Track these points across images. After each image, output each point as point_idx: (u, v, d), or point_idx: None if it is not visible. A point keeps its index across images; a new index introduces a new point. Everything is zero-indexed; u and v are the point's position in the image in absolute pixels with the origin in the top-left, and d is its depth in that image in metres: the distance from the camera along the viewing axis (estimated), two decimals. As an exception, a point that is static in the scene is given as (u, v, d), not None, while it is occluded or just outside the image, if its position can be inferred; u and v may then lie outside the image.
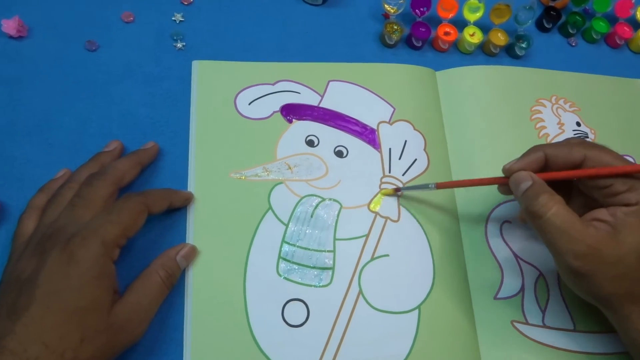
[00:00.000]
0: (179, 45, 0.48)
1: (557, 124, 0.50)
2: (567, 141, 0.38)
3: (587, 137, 0.51)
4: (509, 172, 0.38)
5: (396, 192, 0.44)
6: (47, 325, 0.30)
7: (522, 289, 0.43)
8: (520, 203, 0.36)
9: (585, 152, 0.36)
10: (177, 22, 0.50)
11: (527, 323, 0.42)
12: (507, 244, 0.44)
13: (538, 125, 0.50)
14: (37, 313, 0.30)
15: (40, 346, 0.29)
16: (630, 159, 0.50)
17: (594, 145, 0.36)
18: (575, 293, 0.36)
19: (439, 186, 0.41)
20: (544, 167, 0.37)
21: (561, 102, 0.52)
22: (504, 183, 0.38)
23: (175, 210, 0.41)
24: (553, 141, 0.50)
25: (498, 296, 0.42)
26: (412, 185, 0.44)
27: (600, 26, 0.57)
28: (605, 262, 0.33)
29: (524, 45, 0.53)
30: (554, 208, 0.34)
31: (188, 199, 0.41)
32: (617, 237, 0.33)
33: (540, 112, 0.51)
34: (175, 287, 0.38)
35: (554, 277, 0.44)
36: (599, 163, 0.35)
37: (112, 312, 0.33)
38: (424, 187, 0.42)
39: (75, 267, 0.32)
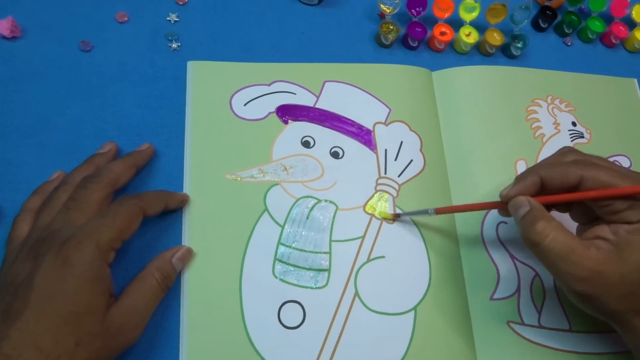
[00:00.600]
0: (174, 45, 0.48)
1: (552, 124, 0.50)
2: (561, 158, 0.37)
3: (583, 137, 0.51)
4: (506, 198, 0.36)
5: (395, 218, 0.43)
6: (42, 329, 0.30)
7: (518, 289, 0.43)
8: (519, 229, 0.35)
9: (581, 172, 0.34)
10: (172, 22, 0.49)
11: (523, 323, 0.42)
12: (503, 245, 0.44)
13: (534, 126, 0.50)
14: (32, 317, 0.30)
15: (35, 351, 0.29)
16: (626, 159, 0.51)
17: (589, 164, 0.35)
18: None
19: (438, 212, 0.40)
20: (541, 189, 0.36)
21: (557, 102, 0.52)
22: (503, 207, 0.37)
23: (171, 212, 0.41)
24: (549, 142, 0.50)
25: (494, 297, 0.42)
26: (411, 211, 0.43)
27: (596, 25, 0.57)
28: (609, 283, 0.32)
29: (519, 45, 0.53)
30: (552, 234, 0.33)
31: (183, 201, 0.41)
32: (620, 256, 0.33)
33: (536, 112, 0.51)
34: (171, 290, 0.38)
35: (550, 277, 0.44)
36: (597, 182, 0.34)
37: (107, 316, 0.32)
38: (423, 212, 0.42)
39: (70, 270, 0.32)
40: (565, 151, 0.39)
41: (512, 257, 0.44)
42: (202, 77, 0.47)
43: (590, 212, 0.37)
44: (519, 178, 0.37)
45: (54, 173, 0.41)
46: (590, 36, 0.57)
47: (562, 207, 0.34)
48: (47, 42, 0.46)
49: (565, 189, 0.35)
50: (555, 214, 0.37)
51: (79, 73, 0.46)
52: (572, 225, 0.38)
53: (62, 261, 0.32)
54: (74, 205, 0.35)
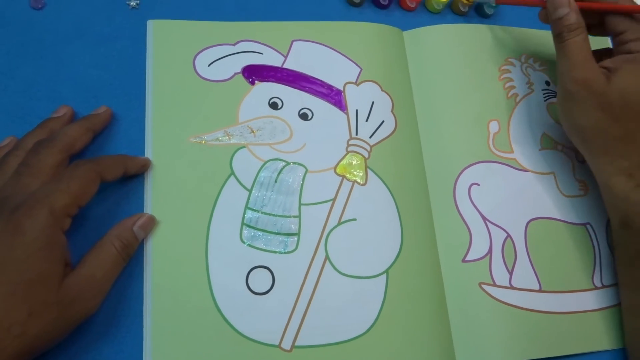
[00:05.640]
0: (133, 3, 0.46)
1: (526, 84, 0.50)
2: None
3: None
4: None
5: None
6: (-9, 299, 0.28)
7: (490, 251, 0.43)
8: (551, 25, 0.41)
9: None
10: (130, -22, 0.47)
11: (494, 285, 0.41)
12: (475, 207, 0.44)
13: (507, 85, 0.49)
14: (-20, 287, 0.28)
15: (-17, 322, 0.28)
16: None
17: None
18: (542, 254, 0.39)
19: (498, 2, 0.49)
20: None
21: (530, 60, 0.51)
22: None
23: (132, 177, 0.39)
24: (522, 101, 0.49)
25: (466, 259, 0.42)
26: None
27: (570, -16, 0.56)
28: (593, 92, 0.38)
29: (492, 4, 0.52)
30: (578, 37, 0.39)
31: (145, 166, 0.39)
32: (609, 77, 0.38)
33: (509, 71, 0.50)
34: (133, 258, 0.37)
35: (521, 238, 0.44)
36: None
37: (63, 285, 0.31)
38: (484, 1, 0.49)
39: (21, 237, 0.30)
40: None
41: (484, 219, 0.44)
42: (163, 36, 0.44)
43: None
44: None
45: (5, 139, 0.39)
46: (564, -5, 0.56)
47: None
48: (-6, -1, 0.43)
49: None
50: None
51: (30, 32, 0.43)
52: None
53: (13, 228, 0.30)
54: (26, 171, 0.34)
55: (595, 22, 0.42)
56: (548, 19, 0.42)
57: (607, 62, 0.40)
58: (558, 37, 0.40)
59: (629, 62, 0.39)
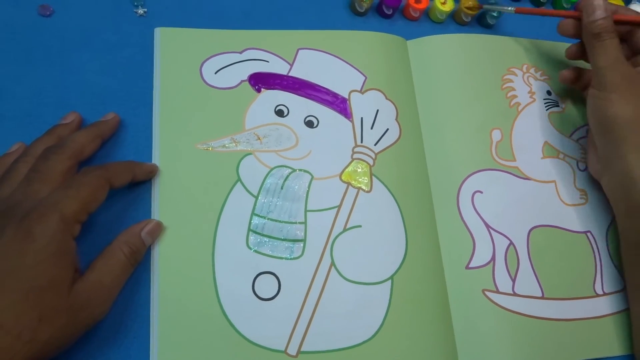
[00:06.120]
0: (140, 11, 0.46)
1: (528, 93, 0.50)
2: None
3: (558, 106, 0.51)
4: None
5: (479, 8, 0.50)
6: (2, 305, 0.28)
7: (493, 258, 0.43)
8: (589, 27, 0.43)
9: None
10: (138, -14, 0.47)
11: (497, 291, 0.42)
12: (478, 214, 0.44)
13: (509, 94, 0.50)
14: (-8, 293, 0.28)
15: (-5, 327, 0.28)
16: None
17: None
18: (544, 261, 0.39)
19: (518, 11, 0.49)
20: None
21: (532, 70, 0.52)
22: (578, 17, 0.44)
23: (140, 183, 0.39)
24: (524, 110, 0.49)
25: (470, 266, 0.42)
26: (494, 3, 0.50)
27: (571, -5, 0.57)
28: (635, 84, 0.41)
29: (495, 14, 0.53)
30: (615, 39, 0.42)
31: (152, 172, 0.40)
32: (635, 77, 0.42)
33: (511, 80, 0.50)
34: (141, 263, 0.37)
35: (524, 246, 0.44)
36: None
37: (72, 291, 0.31)
38: (504, 8, 0.49)
39: (31, 244, 0.30)
40: None
41: (487, 226, 0.44)
42: (171, 44, 0.45)
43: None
44: None
45: (14, 145, 0.39)
46: (564, 5, 0.57)
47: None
48: (4, 6, 0.43)
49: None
50: None
51: (38, 39, 0.43)
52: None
53: (24, 234, 0.30)
54: (35, 177, 0.34)
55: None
56: (573, 29, 0.45)
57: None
58: (597, 37, 0.42)
59: None
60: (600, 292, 0.44)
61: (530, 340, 0.41)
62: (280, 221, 0.40)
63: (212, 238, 0.39)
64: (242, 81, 0.44)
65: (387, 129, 0.45)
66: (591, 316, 0.43)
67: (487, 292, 0.42)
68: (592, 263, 0.45)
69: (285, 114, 0.44)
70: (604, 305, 0.44)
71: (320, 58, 0.47)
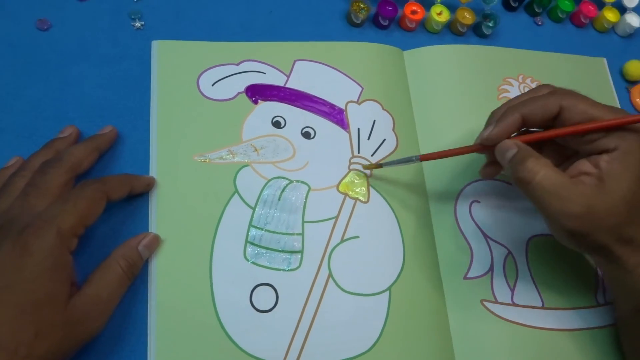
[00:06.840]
0: (138, 24, 0.46)
1: (524, 103, 0.50)
2: (537, 92, 0.38)
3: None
4: (488, 141, 0.37)
5: (378, 167, 0.43)
6: (-1, 320, 0.28)
7: (492, 268, 0.43)
8: (508, 171, 0.36)
9: (560, 102, 0.35)
10: (135, 0, 0.47)
11: (496, 302, 0.42)
12: (476, 224, 0.44)
13: (506, 104, 0.50)
14: (-13, 308, 0.28)
15: (-9, 342, 0.28)
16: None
17: (567, 93, 0.36)
18: (544, 270, 0.38)
19: (423, 158, 0.40)
20: (521, 126, 0.37)
21: (528, 80, 0.52)
22: (487, 150, 0.38)
23: (137, 196, 0.40)
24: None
25: (468, 276, 0.42)
26: (394, 160, 0.43)
27: (566, 5, 0.57)
28: (599, 217, 0.33)
29: (490, 24, 0.53)
30: (542, 172, 0.33)
31: (149, 184, 0.40)
32: (604, 188, 0.33)
33: (507, 91, 0.51)
34: (138, 276, 0.37)
35: (522, 255, 0.44)
36: (576, 111, 0.35)
37: (69, 306, 0.31)
38: (407, 160, 0.41)
39: (28, 258, 0.30)
40: (538, 87, 0.39)
41: (485, 236, 0.44)
42: (168, 56, 0.45)
43: (563, 151, 0.38)
44: (499, 119, 0.37)
45: (11, 159, 0.39)
46: (560, 15, 0.57)
47: (534, 146, 0.35)
48: (2, 21, 0.44)
49: (545, 123, 0.36)
50: None
51: (36, 53, 0.43)
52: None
53: (21, 249, 0.30)
54: (33, 191, 0.34)
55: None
56: (494, 172, 0.39)
57: (586, 168, 0.35)
58: (522, 181, 0.34)
59: (618, 162, 0.34)
60: (602, 301, 0.44)
61: (531, 350, 0.40)
62: (277, 232, 0.40)
63: (210, 250, 0.39)
64: (239, 93, 0.45)
65: (384, 140, 0.45)
66: (593, 326, 0.43)
67: (485, 303, 0.41)
68: (593, 273, 0.45)
69: (282, 125, 0.44)
70: (606, 315, 0.43)
71: (316, 69, 0.47)
